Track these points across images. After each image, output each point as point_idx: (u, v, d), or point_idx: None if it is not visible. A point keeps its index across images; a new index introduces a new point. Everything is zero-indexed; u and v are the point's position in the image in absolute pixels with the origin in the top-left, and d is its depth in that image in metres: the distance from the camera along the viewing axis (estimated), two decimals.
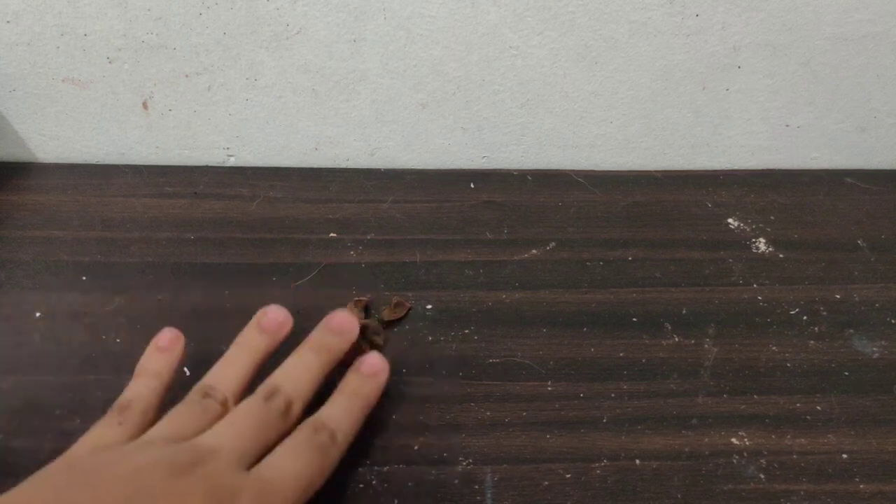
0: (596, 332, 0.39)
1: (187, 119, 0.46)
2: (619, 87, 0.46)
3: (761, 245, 0.45)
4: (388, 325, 0.39)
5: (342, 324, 0.33)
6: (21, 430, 0.34)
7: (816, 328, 0.40)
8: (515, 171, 0.49)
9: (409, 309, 0.39)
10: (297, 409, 0.30)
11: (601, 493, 0.33)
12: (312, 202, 0.46)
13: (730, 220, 0.46)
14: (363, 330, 0.38)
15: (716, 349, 0.39)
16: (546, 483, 0.33)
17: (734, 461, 0.34)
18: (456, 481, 0.33)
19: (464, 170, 0.49)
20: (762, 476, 0.34)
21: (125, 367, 0.36)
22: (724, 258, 0.44)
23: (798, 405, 0.37)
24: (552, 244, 0.44)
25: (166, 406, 0.31)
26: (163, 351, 0.33)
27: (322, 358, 0.32)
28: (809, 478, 0.34)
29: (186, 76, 0.44)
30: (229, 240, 0.43)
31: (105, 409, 0.35)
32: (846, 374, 0.38)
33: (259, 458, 0.28)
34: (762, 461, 0.34)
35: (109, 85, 0.44)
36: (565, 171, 0.49)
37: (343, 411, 0.31)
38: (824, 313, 0.41)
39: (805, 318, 0.41)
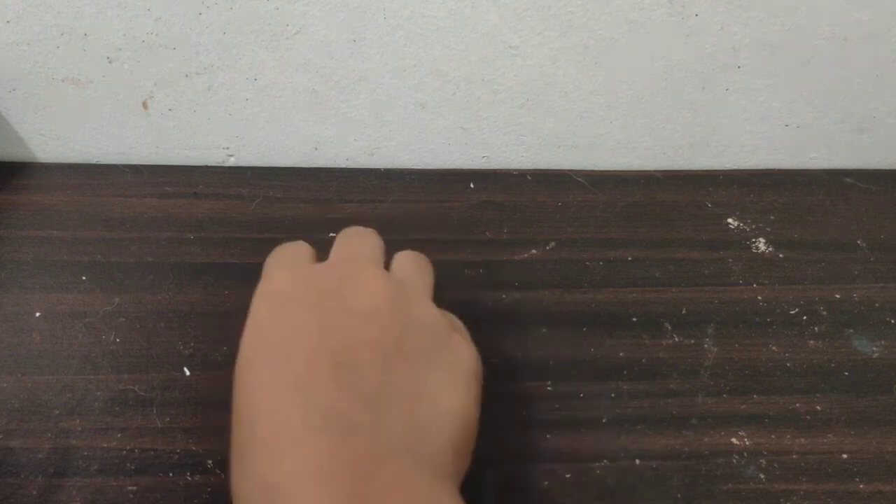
0: (596, 332, 0.39)
1: (187, 119, 0.46)
2: (619, 87, 0.46)
3: (761, 245, 0.45)
4: None
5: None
6: (20, 430, 0.34)
7: (816, 328, 0.40)
8: (515, 171, 0.49)
9: None
10: None
11: (601, 493, 0.33)
12: (312, 202, 0.46)
13: (729, 220, 0.46)
14: None
15: (716, 349, 0.39)
16: (546, 483, 0.33)
17: (734, 461, 0.34)
18: None
19: (464, 170, 0.49)
20: (762, 476, 0.34)
21: (125, 367, 0.36)
22: (723, 258, 0.44)
23: (798, 405, 0.37)
24: (552, 244, 0.44)
25: None
26: None
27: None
28: (809, 478, 0.34)
29: (186, 76, 0.44)
30: (229, 240, 0.43)
31: (105, 409, 0.35)
32: (846, 374, 0.38)
33: None
34: (762, 461, 0.34)
35: (109, 85, 0.44)
36: (565, 171, 0.49)
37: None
38: (824, 313, 0.41)
39: (805, 318, 0.41)
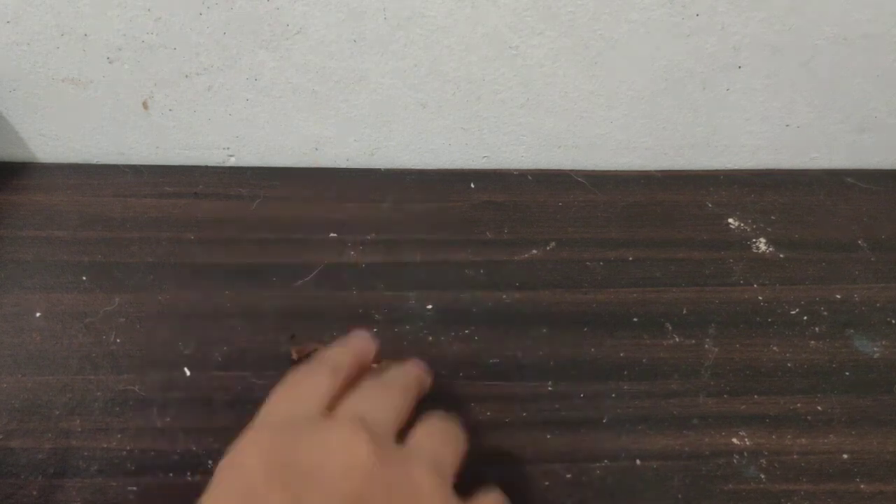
0: (596, 332, 0.39)
1: (187, 119, 0.46)
2: (619, 87, 0.46)
3: (761, 245, 0.45)
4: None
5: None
6: (20, 430, 0.34)
7: (817, 328, 0.40)
8: (515, 171, 0.49)
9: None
10: None
11: (601, 493, 0.33)
12: (312, 202, 0.46)
13: (730, 220, 0.46)
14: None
15: (716, 349, 0.39)
16: (546, 483, 0.33)
17: (734, 461, 0.34)
18: (456, 481, 0.33)
19: (464, 170, 0.49)
20: (762, 476, 0.34)
21: (125, 367, 0.36)
22: (724, 258, 0.44)
23: (798, 405, 0.37)
24: (552, 244, 0.44)
25: None
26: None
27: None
28: (810, 478, 0.34)
29: (186, 76, 0.44)
30: (229, 240, 0.43)
31: (105, 409, 0.35)
32: (846, 374, 0.38)
33: None
34: (762, 461, 0.34)
35: (109, 85, 0.44)
36: (565, 171, 0.49)
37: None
38: (824, 313, 0.41)
39: (805, 318, 0.41)
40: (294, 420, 0.26)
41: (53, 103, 0.45)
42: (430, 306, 0.40)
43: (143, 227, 0.43)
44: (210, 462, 0.33)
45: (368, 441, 0.24)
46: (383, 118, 0.47)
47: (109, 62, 0.43)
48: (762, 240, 0.45)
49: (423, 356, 0.38)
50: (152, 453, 0.33)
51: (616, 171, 0.49)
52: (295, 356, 0.37)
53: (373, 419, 0.26)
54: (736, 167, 0.50)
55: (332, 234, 0.44)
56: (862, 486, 0.34)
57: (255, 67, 0.44)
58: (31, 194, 0.45)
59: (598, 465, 0.34)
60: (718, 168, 0.50)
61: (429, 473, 0.25)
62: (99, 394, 0.35)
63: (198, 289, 0.40)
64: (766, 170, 0.50)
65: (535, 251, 0.43)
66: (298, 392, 0.27)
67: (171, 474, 0.33)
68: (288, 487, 0.23)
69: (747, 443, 0.35)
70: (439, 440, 0.27)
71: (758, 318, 0.40)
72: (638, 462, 0.34)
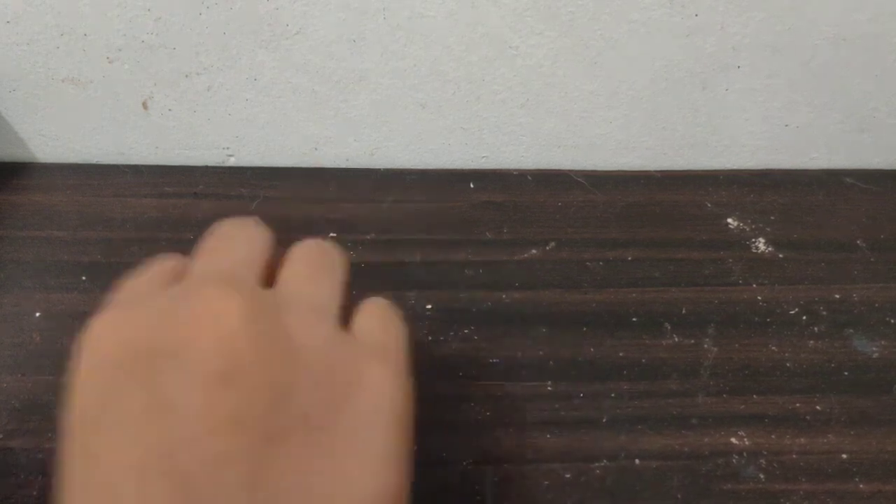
0: (596, 332, 0.39)
1: (187, 119, 0.46)
2: (619, 87, 0.46)
3: (761, 245, 0.45)
4: None
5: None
6: (20, 430, 0.34)
7: (816, 328, 0.40)
8: (515, 171, 0.49)
9: None
10: None
11: (601, 493, 0.33)
12: (312, 202, 0.46)
13: (729, 220, 0.46)
14: None
15: (715, 349, 0.39)
16: (546, 483, 0.33)
17: (734, 461, 0.34)
18: (456, 481, 0.33)
19: (464, 170, 0.49)
20: (762, 476, 0.34)
21: None
22: (723, 258, 0.44)
23: (798, 405, 0.37)
24: (552, 244, 0.44)
25: None
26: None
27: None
28: (809, 477, 0.34)
29: (186, 76, 0.44)
30: None
31: None
32: (846, 374, 0.38)
33: None
34: (762, 461, 0.34)
35: (109, 85, 0.44)
36: (565, 171, 0.49)
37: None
38: (824, 313, 0.41)
39: (805, 318, 0.41)
40: (149, 293, 0.22)
41: (53, 103, 0.45)
42: (429, 306, 0.40)
43: (143, 227, 0.43)
44: None
45: (239, 304, 0.20)
46: (383, 118, 0.47)
47: (109, 62, 0.43)
48: (761, 240, 0.45)
49: (422, 356, 0.38)
50: None
51: (616, 171, 0.49)
52: None
53: (230, 270, 0.22)
54: (735, 167, 0.50)
55: (331, 234, 0.44)
56: (861, 486, 0.34)
57: (255, 67, 0.44)
58: (30, 194, 0.45)
59: (597, 464, 0.34)
60: (718, 168, 0.50)
61: (304, 320, 0.21)
62: None
63: None
64: (766, 170, 0.50)
65: (534, 251, 0.43)
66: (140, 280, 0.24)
67: None
68: (148, 379, 0.19)
69: (746, 443, 0.35)
70: (309, 274, 0.23)
71: (757, 318, 0.41)
72: (637, 462, 0.34)
